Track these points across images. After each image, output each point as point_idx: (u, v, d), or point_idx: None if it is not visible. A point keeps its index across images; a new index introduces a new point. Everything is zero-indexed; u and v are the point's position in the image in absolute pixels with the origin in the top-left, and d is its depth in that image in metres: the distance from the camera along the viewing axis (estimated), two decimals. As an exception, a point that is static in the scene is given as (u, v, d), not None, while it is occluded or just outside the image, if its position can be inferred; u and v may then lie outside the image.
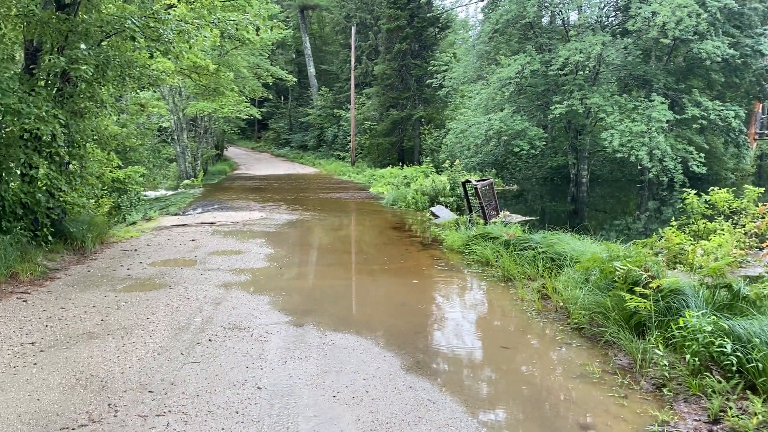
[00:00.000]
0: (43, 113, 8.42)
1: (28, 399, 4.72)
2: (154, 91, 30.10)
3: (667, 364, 5.06)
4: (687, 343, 5.05)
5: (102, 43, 10.16)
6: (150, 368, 5.37)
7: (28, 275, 8.72)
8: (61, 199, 10.13)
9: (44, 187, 9.77)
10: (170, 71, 16.90)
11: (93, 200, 13.99)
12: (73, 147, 10.65)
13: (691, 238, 10.38)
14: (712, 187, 11.87)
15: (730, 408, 4.37)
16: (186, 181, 28.59)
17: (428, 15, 33.58)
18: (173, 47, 9.67)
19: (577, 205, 25.98)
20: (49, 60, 8.86)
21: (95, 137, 11.16)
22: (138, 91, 25.64)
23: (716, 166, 29.26)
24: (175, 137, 30.91)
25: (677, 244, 9.80)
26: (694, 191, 11.92)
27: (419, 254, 11.21)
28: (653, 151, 22.74)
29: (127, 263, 10.06)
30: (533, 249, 9.21)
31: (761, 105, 36.26)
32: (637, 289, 5.83)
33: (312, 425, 4.36)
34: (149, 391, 4.88)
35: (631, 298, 5.66)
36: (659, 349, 5.19)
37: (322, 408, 4.63)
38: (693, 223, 11.64)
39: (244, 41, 26.42)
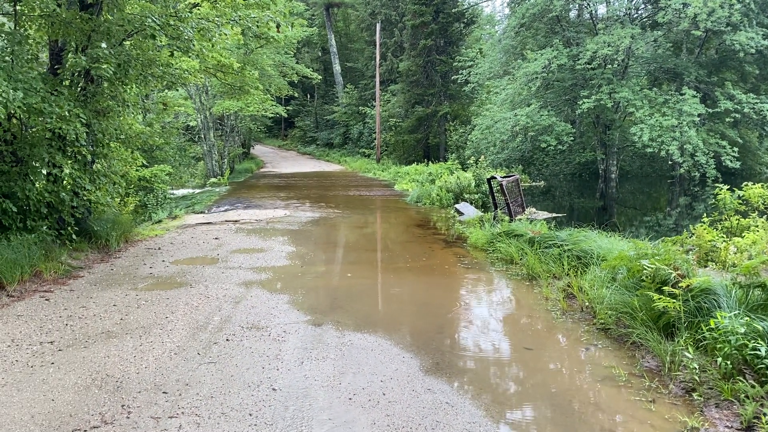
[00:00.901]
0: (66, 112, 8.45)
1: (43, 399, 4.70)
2: (179, 90, 30.45)
3: (697, 367, 4.84)
4: (718, 346, 4.82)
5: (124, 43, 10.19)
6: (166, 368, 5.32)
7: (51, 274, 8.78)
8: (85, 198, 10.19)
9: (69, 186, 9.83)
10: (194, 70, 16.98)
11: (117, 199, 14.12)
12: (97, 146, 10.72)
13: (724, 235, 10.06)
14: (746, 183, 11.49)
15: (765, 414, 4.15)
16: (212, 180, 28.79)
17: (453, 10, 33.30)
18: (194, 45, 9.65)
19: (606, 201, 25.55)
20: (72, 59, 8.89)
21: (120, 136, 11.20)
22: (164, 90, 25.96)
23: (750, 161, 28.51)
24: (202, 136, 31.15)
25: (709, 241, 9.50)
26: (727, 186, 11.56)
27: (443, 252, 11.04)
28: (684, 146, 22.19)
29: (150, 262, 10.09)
30: (559, 247, 8.99)
31: (798, 97, 35.22)
32: (665, 288, 5.61)
33: (326, 429, 4.25)
34: (163, 392, 4.83)
35: (659, 298, 5.44)
36: (689, 352, 4.97)
37: (338, 411, 4.52)
38: (725, 219, 11.30)
39: (268, 39, 26.54)
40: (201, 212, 17.43)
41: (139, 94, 13.53)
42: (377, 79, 37.02)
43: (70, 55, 9.34)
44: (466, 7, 35.50)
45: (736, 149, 23.07)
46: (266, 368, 5.32)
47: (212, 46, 12.80)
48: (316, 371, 5.26)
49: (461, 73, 31.33)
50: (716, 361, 4.80)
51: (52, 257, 9.25)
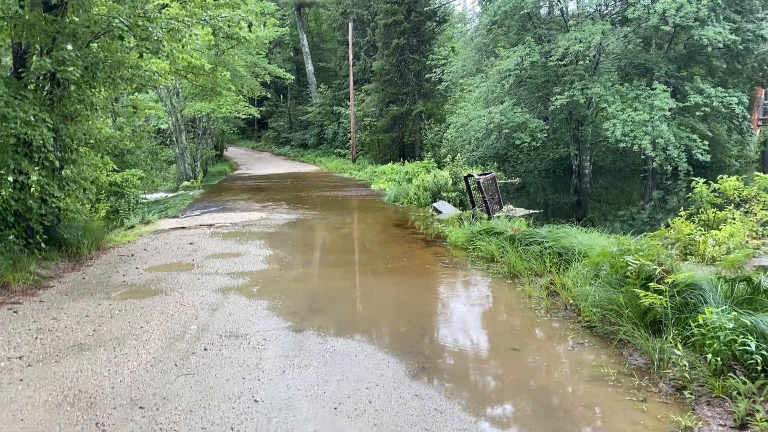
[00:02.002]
0: (31, 117, 8.15)
1: (12, 419, 4.47)
2: (149, 93, 29.92)
3: (687, 364, 4.78)
4: (708, 342, 4.77)
5: (91, 45, 9.88)
6: (142, 382, 5.11)
7: (20, 284, 8.46)
8: (54, 205, 9.86)
9: (36, 194, 9.51)
10: (164, 72, 16.64)
11: (88, 205, 13.76)
12: (66, 151, 10.40)
13: (701, 228, 10.11)
14: (720, 175, 11.57)
15: (758, 411, 4.09)
16: (185, 183, 28.34)
17: (425, 9, 33.24)
18: (163, 46, 9.39)
19: (580, 196, 25.71)
20: (36, 62, 8.58)
21: (89, 141, 10.88)
22: (134, 93, 25.48)
23: (720, 154, 28.94)
24: (174, 139, 30.64)
25: (687, 234, 9.53)
26: (701, 180, 11.62)
27: (422, 252, 10.93)
28: (656, 140, 22.43)
29: (123, 269, 9.81)
30: (539, 244, 8.93)
31: (764, 91, 35.93)
32: (651, 284, 5.55)
33: (312, 441, 4.10)
34: (140, 408, 4.62)
35: (645, 295, 5.38)
36: (678, 349, 4.90)
37: (323, 422, 4.36)
38: (702, 212, 11.36)
39: (239, 39, 26.17)
40: (174, 217, 17.08)
41: (108, 97, 13.20)
42: (351, 79, 36.82)
43: (34, 57, 9.01)
44: (437, 5, 35.48)
45: (706, 143, 23.36)
46: (247, 378, 5.14)
47: (182, 47, 12.52)
48: (298, 380, 5.10)
49: (435, 72, 31.31)
50: (705, 357, 4.75)
51: (20, 267, 8.93)
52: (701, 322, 4.90)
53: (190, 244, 12.06)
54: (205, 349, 5.88)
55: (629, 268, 6.00)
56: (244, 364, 5.47)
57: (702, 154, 22.84)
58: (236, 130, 50.02)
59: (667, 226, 10.27)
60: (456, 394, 4.82)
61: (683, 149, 22.60)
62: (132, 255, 11.03)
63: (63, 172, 10.73)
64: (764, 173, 11.55)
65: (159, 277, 9.15)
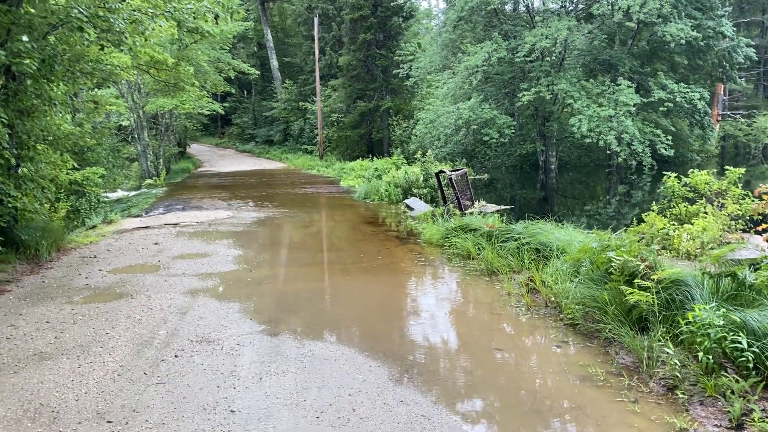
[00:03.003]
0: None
1: (-34, 438, 4.14)
2: (110, 88, 29.11)
3: (677, 363, 4.67)
4: (698, 340, 4.67)
5: (49, 37, 9.42)
6: (109, 393, 4.80)
7: (-26, 289, 8.01)
8: (11, 205, 9.36)
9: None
10: (126, 66, 16.11)
11: (47, 205, 13.21)
12: (22, 149, 9.91)
13: (675, 223, 10.14)
14: (691, 170, 11.64)
15: (753, 411, 4.00)
16: (148, 181, 27.64)
17: (392, 4, 33.01)
18: (126, 38, 8.99)
19: (547, 192, 25.89)
20: (-12, 54, 8.10)
21: (47, 138, 10.40)
22: (96, 88, 24.69)
23: (682, 148, 29.43)
24: (136, 136, 29.89)
25: (661, 229, 9.52)
26: (672, 174, 11.68)
27: (397, 249, 10.74)
28: (621, 136, 22.65)
29: (86, 271, 9.38)
30: (516, 240, 8.81)
31: (723, 86, 36.75)
32: (636, 281, 5.44)
33: (295, 454, 3.86)
34: (107, 422, 4.32)
35: (631, 292, 5.27)
36: (669, 348, 4.79)
37: (305, 432, 4.13)
38: (674, 206, 11.42)
39: (203, 33, 25.61)
40: (138, 216, 16.56)
41: (67, 92, 12.66)
42: (317, 74, 36.40)
43: (-13, 50, 8.52)
44: (404, 0, 35.29)
45: (670, 138, 23.70)
46: (222, 387, 4.87)
47: (146, 40, 12.09)
48: (277, 387, 4.85)
49: (402, 68, 31.14)
50: (696, 356, 4.65)
51: (-26, 271, 8.47)
52: (691, 319, 4.80)
53: (156, 244, 11.66)
54: (175, 356, 5.59)
55: (612, 264, 5.89)
56: (218, 371, 5.20)
57: (666, 149, 23.17)
58: (199, 127, 48.99)
59: (640, 221, 10.28)
60: (442, 399, 4.63)
61: (647, 144, 22.87)
62: (95, 256, 10.59)
63: (20, 171, 10.25)
64: (724, 167, 11.67)
65: (124, 280, 8.76)
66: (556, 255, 7.79)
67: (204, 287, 8.24)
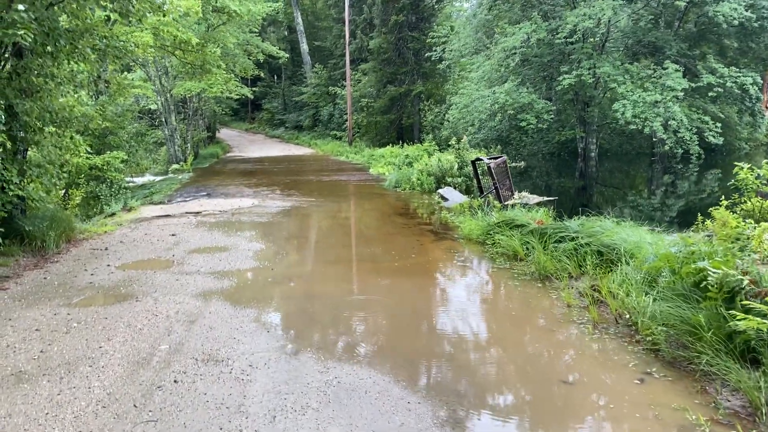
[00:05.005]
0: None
1: None
2: (137, 71, 28.53)
3: (813, 416, 3.59)
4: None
5: (54, 7, 8.52)
6: (88, 432, 3.89)
7: (-33, 287, 7.23)
8: (11, 193, 8.55)
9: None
10: (146, 45, 15.27)
11: (59, 191, 12.49)
12: (27, 131, 9.10)
13: (750, 221, 8.92)
14: (766, 160, 10.35)
15: None
16: (175, 166, 27.00)
17: (425, -16, 31.78)
18: (133, 6, 8.06)
19: (586, 180, 24.64)
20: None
21: (54, 120, 9.56)
22: (125, 71, 24.08)
23: (730, 137, 27.77)
24: (164, 120, 29.31)
25: (734, 227, 8.32)
26: (739, 165, 10.42)
27: (433, 246, 9.70)
28: (668, 122, 21.22)
29: (93, 266, 8.55)
30: (572, 240, 7.70)
31: (775, 71, 34.73)
32: (746, 302, 4.34)
33: None
34: (78, 478, 3.42)
35: (743, 318, 4.17)
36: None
37: (327, 504, 3.16)
38: (745, 201, 10.16)
39: (230, 13, 24.82)
40: (160, 203, 15.79)
41: (89, 72, 11.87)
42: (347, 58, 35.32)
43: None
44: (438, -20, 33.97)
45: (719, 125, 22.20)
46: (226, 429, 3.93)
47: (163, 15, 11.20)
48: (293, 431, 3.89)
49: (434, 50, 29.91)
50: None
51: (-31, 266, 7.70)
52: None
53: (173, 235, 10.81)
54: (175, 381, 4.66)
55: (708, 279, 4.78)
56: (222, 404, 4.25)
57: (714, 137, 21.68)
58: (229, 112, 48.47)
59: (707, 217, 9.12)
60: (503, 454, 3.62)
61: (695, 132, 21.41)
62: (106, 249, 9.77)
63: (27, 155, 9.48)
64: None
65: (132, 278, 7.90)
66: (624, 260, 6.66)
67: (218, 288, 7.33)
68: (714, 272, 4.75)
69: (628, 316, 5.63)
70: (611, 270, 6.64)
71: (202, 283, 7.55)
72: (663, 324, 5.04)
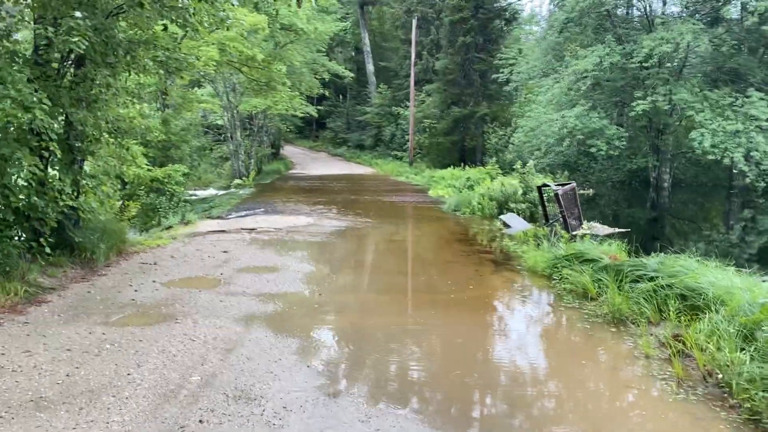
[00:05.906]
0: (28, 98, 6.69)
1: None
2: (206, 87, 29.12)
3: None
4: None
5: (115, 17, 8.42)
6: (95, 479, 3.46)
7: (10, 297, 7.03)
8: (62, 203, 8.39)
9: (47, 190, 8.10)
10: (212, 60, 15.33)
11: (117, 203, 12.46)
12: (84, 142, 9.01)
13: None
14: None
15: None
16: (237, 181, 27.25)
17: (494, 6, 31.28)
18: (190, 15, 7.84)
19: (658, 212, 23.41)
20: (36, 31, 7.15)
21: (112, 130, 9.45)
22: (194, 88, 24.48)
23: (818, 170, 25.90)
24: (229, 135, 29.83)
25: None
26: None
27: (493, 277, 9.05)
28: (751, 153, 19.89)
29: (138, 282, 8.29)
30: (652, 280, 6.91)
31: None
32: None
33: None
34: None
35: None
36: None
37: None
38: None
39: (297, 31, 24.96)
40: (218, 217, 15.68)
41: (157, 85, 11.89)
42: (412, 79, 35.09)
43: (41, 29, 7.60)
44: (506, 3, 33.42)
45: (806, 158, 20.63)
46: (247, 487, 3.43)
47: (227, 29, 11.10)
48: (324, 496, 3.35)
49: (502, 72, 29.25)
50: None
51: (16, 276, 7.52)
52: None
53: (224, 252, 10.53)
54: (200, 421, 4.20)
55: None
56: (248, 455, 3.76)
57: (800, 170, 20.15)
58: (294, 129, 49.04)
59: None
60: None
61: (779, 164, 19.95)
62: (155, 263, 9.55)
63: (83, 166, 9.39)
64: None
65: (175, 296, 7.58)
66: (712, 307, 5.86)
67: (262, 313, 6.90)
68: (834, 333, 3.97)
69: (719, 374, 4.85)
70: (697, 318, 5.84)
71: (246, 306, 7.14)
72: (765, 389, 4.26)
